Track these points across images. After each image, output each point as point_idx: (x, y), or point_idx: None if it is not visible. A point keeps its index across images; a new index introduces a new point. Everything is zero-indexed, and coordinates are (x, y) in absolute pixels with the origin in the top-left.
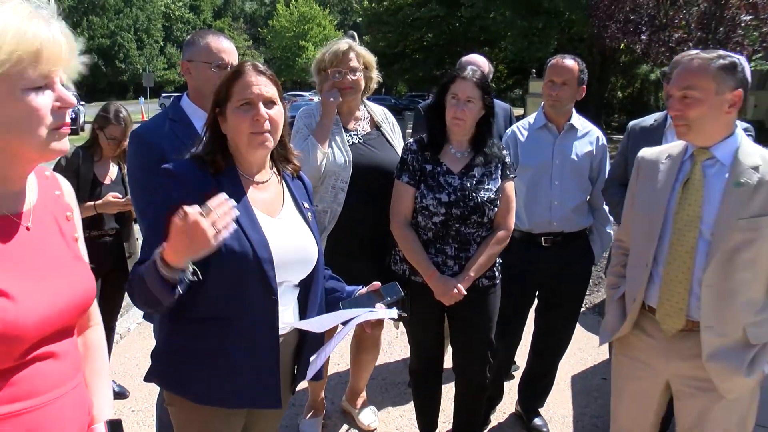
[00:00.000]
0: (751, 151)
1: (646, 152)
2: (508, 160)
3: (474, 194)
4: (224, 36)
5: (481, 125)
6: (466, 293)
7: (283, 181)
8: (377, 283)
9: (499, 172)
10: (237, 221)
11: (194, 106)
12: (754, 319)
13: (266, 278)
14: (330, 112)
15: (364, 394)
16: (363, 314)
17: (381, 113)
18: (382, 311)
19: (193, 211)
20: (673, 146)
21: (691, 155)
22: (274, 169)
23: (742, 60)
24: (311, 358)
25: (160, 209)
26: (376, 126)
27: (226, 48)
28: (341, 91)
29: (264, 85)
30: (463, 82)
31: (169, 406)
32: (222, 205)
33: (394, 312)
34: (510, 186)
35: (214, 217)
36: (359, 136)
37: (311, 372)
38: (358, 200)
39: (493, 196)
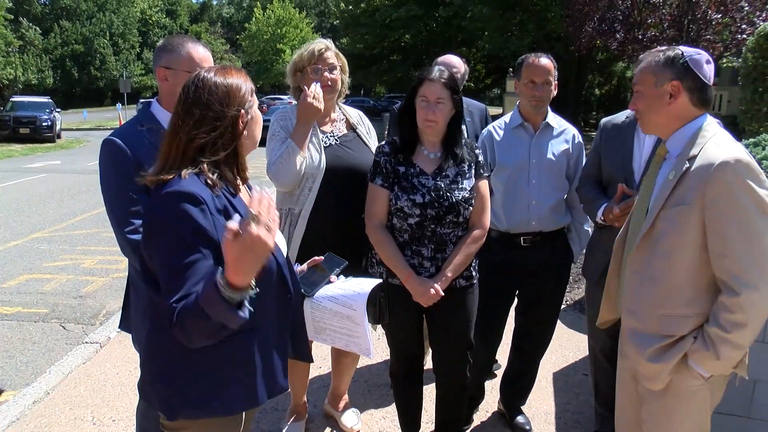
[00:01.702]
0: (700, 142)
1: None
2: (481, 158)
3: (448, 194)
4: (201, 43)
5: (452, 125)
6: (443, 294)
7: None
8: (317, 258)
9: (473, 171)
10: None
11: (167, 112)
12: (672, 311)
13: (285, 280)
14: (311, 119)
15: (346, 397)
16: (360, 295)
17: (356, 116)
18: (370, 281)
19: (247, 226)
20: None
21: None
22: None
23: (689, 53)
24: None
25: (194, 240)
26: (351, 128)
27: (207, 57)
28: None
29: None
30: (431, 83)
31: (177, 430)
32: (262, 203)
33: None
34: (484, 184)
35: (265, 220)
36: (335, 137)
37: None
38: (335, 201)
39: (467, 195)
